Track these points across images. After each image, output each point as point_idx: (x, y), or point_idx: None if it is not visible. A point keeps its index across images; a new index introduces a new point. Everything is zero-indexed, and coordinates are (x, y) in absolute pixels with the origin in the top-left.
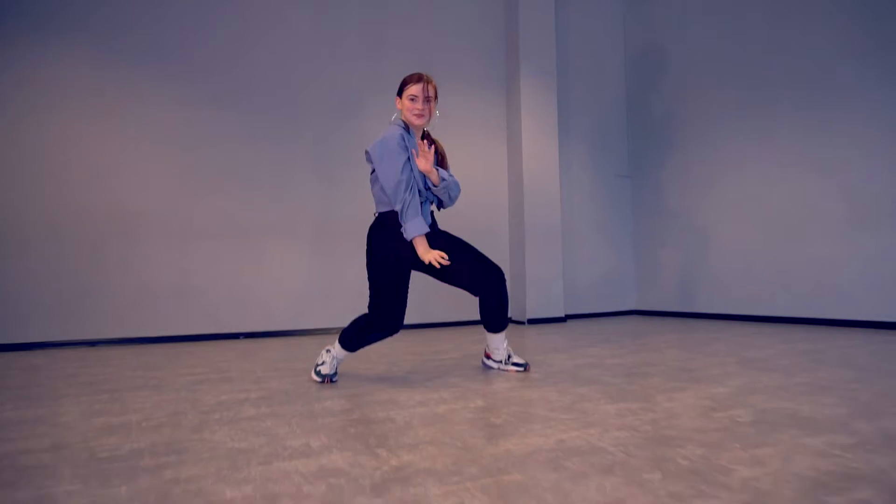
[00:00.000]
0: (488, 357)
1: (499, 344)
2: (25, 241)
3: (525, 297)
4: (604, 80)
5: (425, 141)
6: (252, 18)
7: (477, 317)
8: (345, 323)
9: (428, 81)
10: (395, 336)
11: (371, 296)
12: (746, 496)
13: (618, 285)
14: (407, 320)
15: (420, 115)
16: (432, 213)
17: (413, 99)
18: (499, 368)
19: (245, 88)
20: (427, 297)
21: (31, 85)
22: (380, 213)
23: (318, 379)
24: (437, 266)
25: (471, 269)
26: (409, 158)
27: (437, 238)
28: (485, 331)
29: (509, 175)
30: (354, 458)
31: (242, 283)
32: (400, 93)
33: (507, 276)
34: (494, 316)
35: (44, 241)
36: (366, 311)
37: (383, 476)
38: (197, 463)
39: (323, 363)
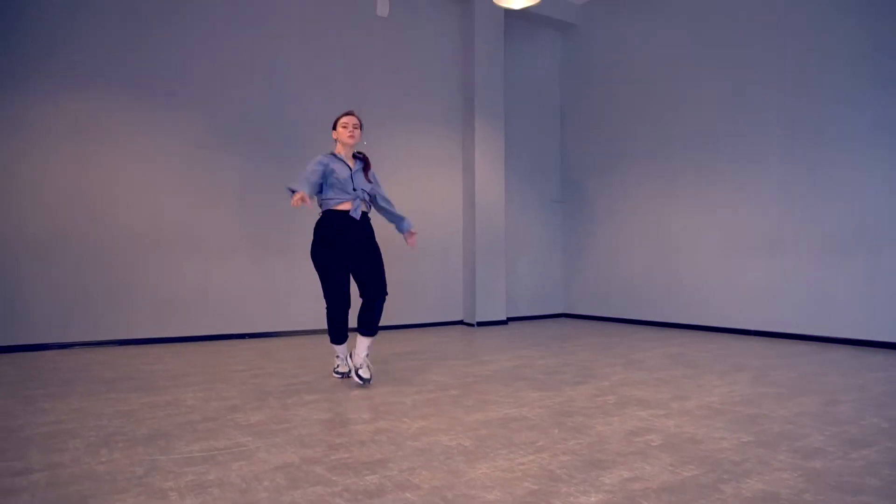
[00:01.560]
0: (350, 356)
1: (361, 350)
2: (77, 254)
3: (475, 304)
4: (542, 119)
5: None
6: (256, 67)
7: (432, 319)
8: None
9: (354, 115)
10: (380, 339)
11: (321, 285)
12: (595, 439)
13: (549, 293)
14: (385, 322)
15: (351, 136)
16: (365, 214)
17: (345, 126)
18: (350, 373)
19: (251, 125)
20: (402, 304)
21: (92, 131)
22: (323, 211)
23: (337, 376)
24: (296, 204)
25: (368, 276)
26: (323, 170)
27: (364, 244)
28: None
29: (464, 200)
30: (393, 423)
31: (249, 291)
32: (335, 126)
33: (459, 287)
34: (364, 321)
35: (91, 253)
36: None
37: (415, 432)
38: (305, 427)
39: (337, 365)
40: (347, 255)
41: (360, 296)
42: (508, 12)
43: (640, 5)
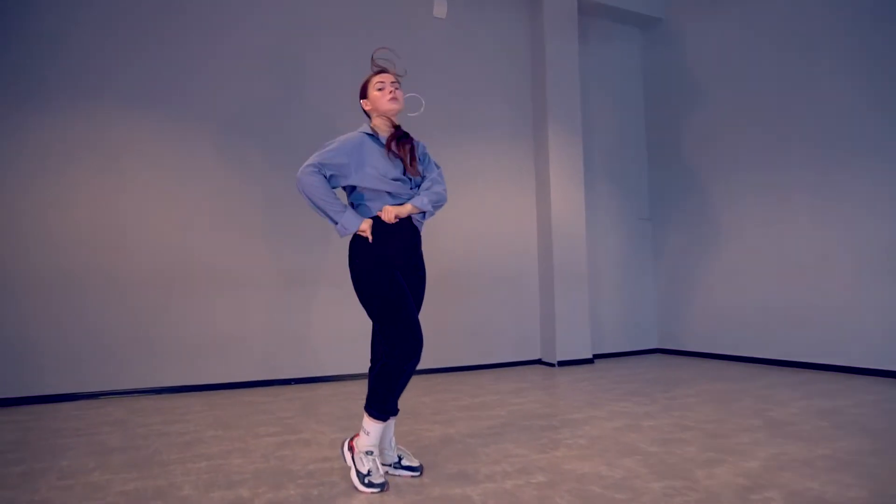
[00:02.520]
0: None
1: (392, 434)
2: (94, 293)
3: (555, 340)
4: (624, 126)
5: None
6: (294, 78)
7: (505, 358)
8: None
9: (389, 71)
10: (437, 386)
11: (380, 326)
12: None
13: (641, 325)
14: (442, 363)
15: (394, 98)
16: (412, 220)
17: (381, 86)
18: (385, 483)
19: (288, 144)
20: (471, 341)
21: (106, 155)
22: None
23: (371, 491)
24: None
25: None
26: (348, 163)
27: (418, 270)
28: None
29: (538, 221)
30: None
31: (292, 330)
32: (364, 93)
33: (536, 320)
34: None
35: (109, 292)
36: (374, 372)
37: None
38: None
39: (368, 473)
40: (398, 274)
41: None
42: (582, 9)
43: None
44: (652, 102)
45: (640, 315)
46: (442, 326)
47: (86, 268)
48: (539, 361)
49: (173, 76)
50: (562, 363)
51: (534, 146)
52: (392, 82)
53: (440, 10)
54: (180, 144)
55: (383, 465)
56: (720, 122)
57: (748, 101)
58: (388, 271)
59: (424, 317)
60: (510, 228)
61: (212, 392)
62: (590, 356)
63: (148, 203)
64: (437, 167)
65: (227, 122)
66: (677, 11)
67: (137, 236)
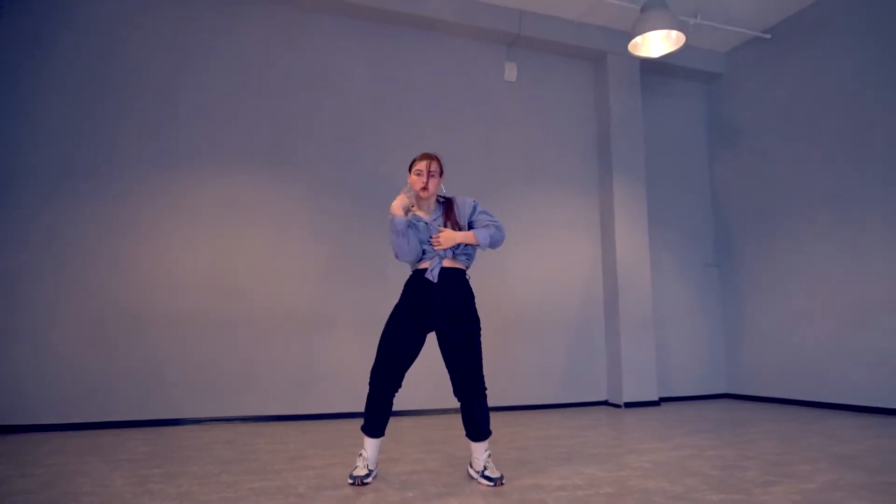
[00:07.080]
0: (471, 465)
1: (479, 454)
2: (213, 332)
3: (622, 383)
4: (689, 177)
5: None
6: (384, 135)
7: (574, 399)
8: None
9: (431, 159)
10: (511, 421)
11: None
12: None
13: (708, 370)
14: (514, 401)
15: (423, 188)
16: (452, 275)
17: (419, 173)
18: (476, 479)
19: (382, 195)
20: (540, 382)
21: (232, 210)
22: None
23: (349, 482)
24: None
25: (461, 372)
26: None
27: (448, 315)
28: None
29: (604, 268)
30: None
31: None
32: (409, 169)
33: (603, 363)
34: (468, 427)
35: (225, 331)
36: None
37: None
38: None
39: (355, 466)
40: (423, 327)
41: (454, 393)
42: (645, 67)
43: (801, 41)
44: (717, 153)
45: (707, 360)
46: (513, 367)
47: (202, 309)
48: (606, 403)
49: (286, 136)
50: (628, 405)
51: (599, 199)
52: (431, 172)
53: (510, 75)
54: (291, 205)
55: (475, 470)
56: (786, 168)
57: (814, 144)
58: (401, 318)
59: (497, 357)
60: (577, 275)
61: (306, 422)
62: (656, 399)
63: (256, 248)
64: (489, 215)
65: (327, 174)
66: (738, 66)
67: (248, 283)
